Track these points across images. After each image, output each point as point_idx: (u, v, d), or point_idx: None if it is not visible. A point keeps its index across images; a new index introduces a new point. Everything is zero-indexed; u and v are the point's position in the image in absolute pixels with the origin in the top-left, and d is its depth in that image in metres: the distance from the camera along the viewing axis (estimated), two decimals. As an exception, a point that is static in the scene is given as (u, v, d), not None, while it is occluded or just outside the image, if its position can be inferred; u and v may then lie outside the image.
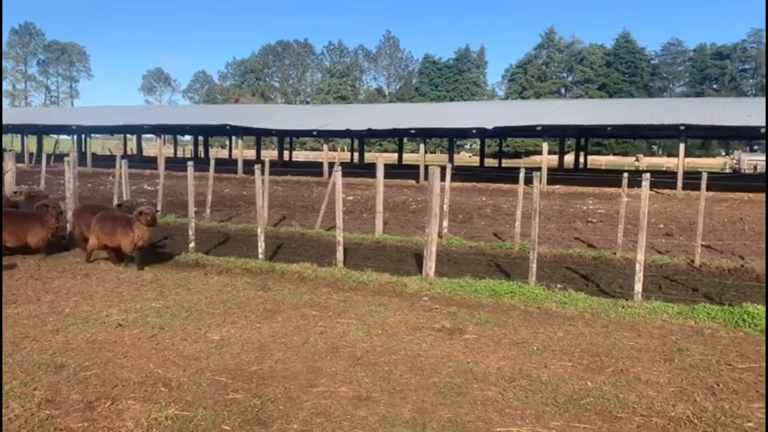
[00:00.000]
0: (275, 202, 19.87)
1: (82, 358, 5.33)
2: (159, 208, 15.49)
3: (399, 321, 6.70)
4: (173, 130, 51.36)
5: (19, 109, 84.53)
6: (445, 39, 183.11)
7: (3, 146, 37.04)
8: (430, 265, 8.89)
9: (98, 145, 67.14)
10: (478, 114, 37.39)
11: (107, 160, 34.52)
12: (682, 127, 27.19)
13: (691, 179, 19.83)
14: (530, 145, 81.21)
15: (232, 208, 18.83)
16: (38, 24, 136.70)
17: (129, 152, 55.22)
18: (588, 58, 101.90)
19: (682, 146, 28.14)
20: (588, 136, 46.78)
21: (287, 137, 52.00)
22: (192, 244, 10.82)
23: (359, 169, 28.89)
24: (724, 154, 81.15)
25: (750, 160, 54.71)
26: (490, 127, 30.73)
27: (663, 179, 24.28)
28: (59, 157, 26.66)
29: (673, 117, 29.32)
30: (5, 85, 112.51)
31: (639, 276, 7.88)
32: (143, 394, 4.62)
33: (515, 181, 13.32)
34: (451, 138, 44.77)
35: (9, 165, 14.31)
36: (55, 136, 56.30)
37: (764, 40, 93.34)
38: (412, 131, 34.31)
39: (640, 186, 8.25)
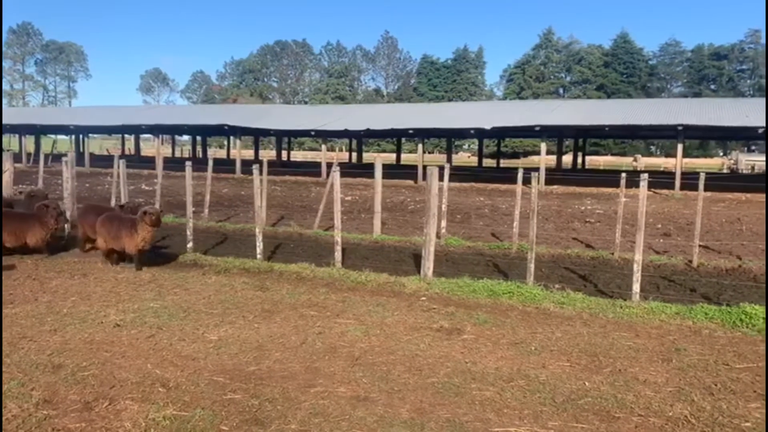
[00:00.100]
0: (273, 202, 19.86)
1: (79, 359, 5.33)
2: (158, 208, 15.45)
3: (397, 321, 6.70)
4: (171, 130, 51.28)
5: (17, 108, 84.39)
6: (444, 39, 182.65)
7: (1, 146, 37.00)
8: (428, 265, 8.89)
9: (96, 145, 67.08)
10: (476, 114, 37.42)
11: (105, 160, 34.53)
12: (680, 128, 27.22)
13: (689, 179, 19.84)
14: (528, 146, 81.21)
15: (230, 208, 18.82)
16: (36, 24, 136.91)
17: (127, 152, 55.22)
18: (586, 59, 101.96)
19: (679, 146, 28.16)
20: (586, 137, 46.83)
21: (285, 137, 51.97)
22: (190, 244, 10.80)
23: (357, 169, 28.88)
24: (721, 154, 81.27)
25: (748, 161, 54.84)
26: (488, 127, 30.74)
27: (661, 179, 24.29)
28: (57, 157, 26.62)
29: (670, 117, 29.34)
30: (3, 85, 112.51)
31: (637, 276, 7.89)
32: (141, 395, 4.62)
33: (513, 181, 13.34)
34: (450, 138, 44.82)
35: (7, 165, 14.28)
36: (52, 136, 56.22)
37: (762, 41, 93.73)
38: (411, 131, 34.32)
39: (638, 186, 8.26)
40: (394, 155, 51.16)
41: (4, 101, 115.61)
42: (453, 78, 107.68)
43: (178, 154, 62.17)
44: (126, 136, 58.15)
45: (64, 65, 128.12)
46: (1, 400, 4.42)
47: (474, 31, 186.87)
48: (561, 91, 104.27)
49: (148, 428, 4.10)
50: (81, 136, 49.65)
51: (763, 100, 34.10)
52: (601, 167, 51.25)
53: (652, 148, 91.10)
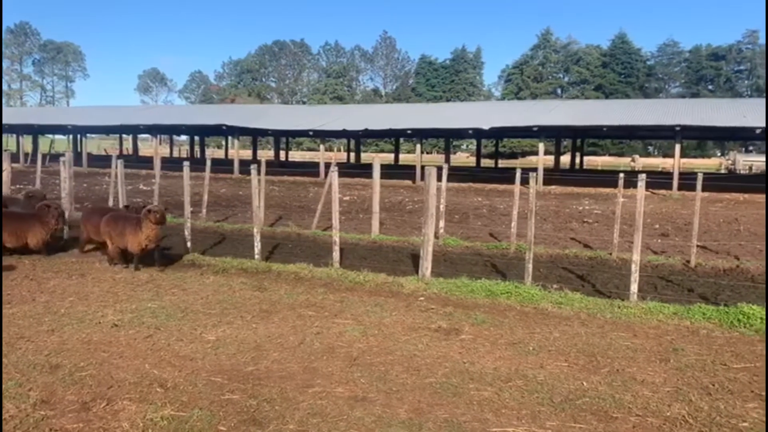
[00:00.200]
0: (271, 202, 19.85)
1: (77, 359, 5.32)
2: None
3: (395, 321, 6.70)
4: (169, 130, 51.26)
5: (15, 108, 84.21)
6: (442, 39, 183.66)
7: (1, 147, 36.95)
8: (426, 265, 8.89)
9: (94, 145, 66.99)
10: (474, 114, 37.42)
11: (103, 160, 34.51)
12: (678, 128, 27.25)
13: (687, 180, 19.86)
14: (526, 146, 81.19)
15: (228, 209, 18.80)
16: (34, 23, 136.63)
17: (125, 152, 55.14)
18: (584, 59, 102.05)
19: (677, 147, 28.20)
20: (584, 137, 46.85)
21: (283, 137, 51.94)
22: (188, 245, 10.79)
23: (356, 170, 28.86)
24: (719, 154, 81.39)
25: (745, 161, 54.95)
26: (486, 127, 30.75)
27: (659, 180, 24.32)
28: (55, 157, 26.58)
29: (668, 118, 29.37)
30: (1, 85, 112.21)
31: (635, 276, 7.90)
32: (139, 395, 4.61)
33: (511, 181, 13.34)
34: (448, 138, 44.84)
35: (5, 165, 14.28)
36: (50, 136, 56.22)
37: (759, 41, 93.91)
38: (409, 131, 34.33)
39: (635, 186, 8.26)
40: (392, 155, 51.15)
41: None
42: (451, 78, 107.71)
43: (176, 154, 62.10)
44: (124, 136, 58.12)
45: (61, 65, 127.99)
46: (0, 400, 4.42)
47: (472, 32, 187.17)
48: (559, 91, 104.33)
49: (145, 428, 4.10)
50: (79, 136, 49.59)
51: (761, 100, 34.18)
52: (599, 167, 51.28)
53: (650, 148, 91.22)
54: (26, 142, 45.23)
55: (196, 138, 55.93)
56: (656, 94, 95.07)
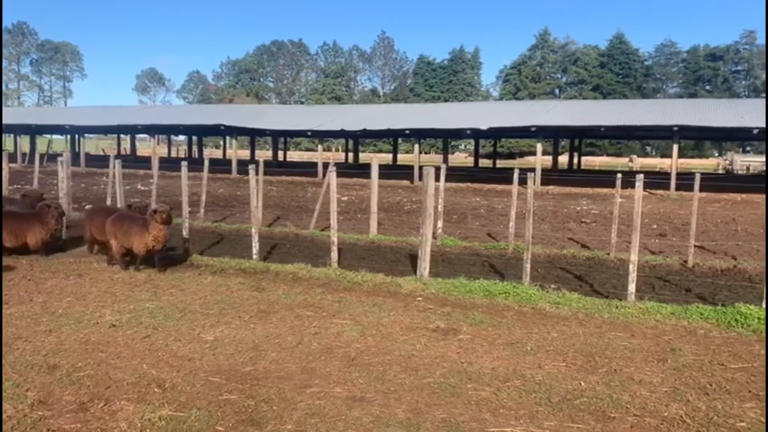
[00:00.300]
0: (269, 202, 19.85)
1: (75, 359, 5.31)
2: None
3: (393, 321, 6.70)
4: (167, 130, 51.18)
5: (12, 108, 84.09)
6: (440, 40, 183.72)
7: (1, 147, 36.88)
8: (424, 265, 8.89)
9: (92, 145, 66.89)
10: (472, 114, 37.44)
11: (101, 160, 34.45)
12: (676, 128, 27.29)
13: (685, 180, 19.91)
14: (524, 146, 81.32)
15: (226, 209, 18.80)
16: (31, 23, 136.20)
17: (123, 152, 55.07)
18: (582, 59, 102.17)
19: (675, 147, 28.24)
20: (582, 137, 46.87)
21: (281, 137, 51.90)
22: (186, 245, 10.78)
23: (354, 170, 28.83)
24: (717, 155, 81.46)
25: (743, 161, 55.06)
26: (484, 127, 30.76)
27: (656, 180, 24.35)
28: (52, 157, 26.54)
29: (666, 118, 29.42)
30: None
31: (632, 276, 7.91)
32: (137, 395, 4.61)
33: (509, 181, 13.35)
34: (446, 138, 44.81)
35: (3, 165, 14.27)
36: (48, 135, 56.10)
37: (757, 42, 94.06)
38: (407, 131, 34.32)
39: (633, 187, 8.27)
40: (390, 155, 51.07)
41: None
42: (449, 78, 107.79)
43: (174, 154, 62.02)
44: (122, 136, 58.02)
45: (59, 65, 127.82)
46: (0, 400, 4.41)
47: (470, 32, 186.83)
48: (557, 91, 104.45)
49: (143, 429, 4.10)
50: (77, 136, 49.43)
51: (758, 100, 34.24)
52: (597, 168, 51.34)
53: (648, 148, 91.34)
54: (24, 142, 45.14)
55: (194, 138, 55.85)
56: (654, 95, 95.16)
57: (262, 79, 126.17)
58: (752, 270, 10.29)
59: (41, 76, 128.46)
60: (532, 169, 20.31)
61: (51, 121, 44.71)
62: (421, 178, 9.47)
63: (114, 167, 14.57)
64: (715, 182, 23.30)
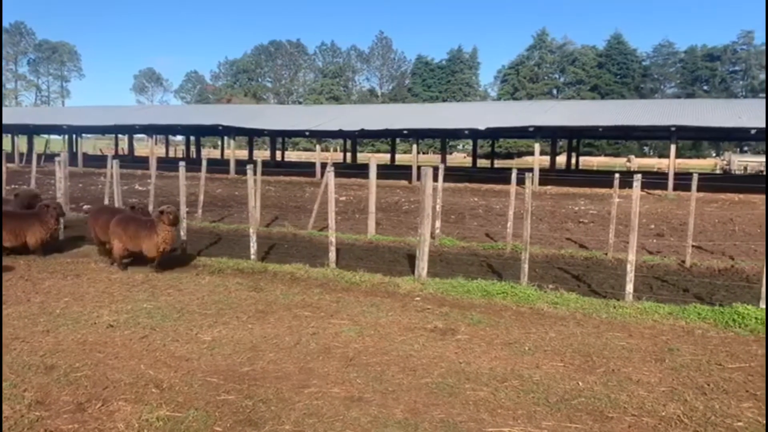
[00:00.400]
0: (267, 202, 19.83)
1: (72, 359, 5.31)
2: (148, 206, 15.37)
3: (391, 321, 6.70)
4: (165, 130, 51.13)
5: (10, 108, 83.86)
6: (438, 40, 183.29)
7: (1, 147, 36.80)
8: (422, 265, 8.89)
9: (89, 145, 66.80)
10: (470, 115, 37.47)
11: (98, 160, 34.38)
12: (673, 129, 27.34)
13: (682, 180, 19.96)
14: (522, 146, 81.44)
15: (224, 209, 18.78)
16: (29, 23, 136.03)
17: (120, 152, 55.00)
18: (580, 60, 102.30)
19: (673, 147, 28.29)
20: (580, 137, 46.96)
21: (280, 137, 51.92)
22: (184, 246, 10.77)
23: (352, 170, 28.88)
24: (714, 155, 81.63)
25: (740, 161, 55.18)
26: (482, 127, 30.79)
27: (654, 180, 24.38)
28: (50, 157, 26.51)
29: (664, 118, 29.47)
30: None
31: (630, 276, 7.92)
32: (134, 396, 4.60)
33: (507, 181, 13.35)
34: (444, 139, 44.84)
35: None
36: (45, 135, 55.95)
37: (754, 42, 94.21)
38: (405, 132, 34.34)
39: (631, 187, 8.28)
40: (388, 155, 51.11)
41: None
42: (447, 78, 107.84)
43: (171, 154, 62.03)
44: (119, 136, 57.96)
45: (57, 65, 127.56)
46: (0, 400, 4.41)
47: (468, 32, 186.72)
48: (555, 91, 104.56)
49: (141, 429, 4.09)
50: (74, 136, 49.37)
51: (756, 101, 34.29)
52: (595, 168, 51.41)
53: (646, 148, 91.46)
54: (21, 142, 45.05)
55: (192, 138, 55.82)
56: (652, 95, 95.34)
57: (260, 79, 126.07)
58: (750, 270, 10.31)
59: (39, 76, 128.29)
60: (530, 169, 20.33)
61: (48, 121, 44.63)
62: (419, 178, 9.46)
63: (112, 167, 14.56)
64: (712, 182, 23.38)
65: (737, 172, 48.97)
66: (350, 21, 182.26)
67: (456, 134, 48.05)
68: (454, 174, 25.94)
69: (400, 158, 52.31)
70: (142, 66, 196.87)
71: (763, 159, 54.48)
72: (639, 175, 8.42)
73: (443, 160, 35.22)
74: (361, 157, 53.53)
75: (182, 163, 11.40)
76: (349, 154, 50.13)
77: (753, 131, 27.09)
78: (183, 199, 11.19)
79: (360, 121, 35.88)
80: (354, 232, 13.69)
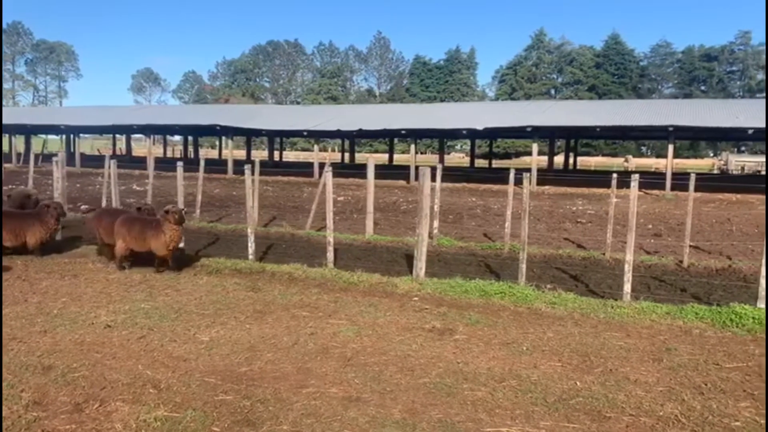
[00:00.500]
0: (265, 202, 19.82)
1: (70, 360, 5.30)
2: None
3: (389, 321, 6.70)
4: (163, 130, 51.07)
5: (7, 108, 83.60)
6: (436, 40, 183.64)
7: (1, 147, 36.75)
8: (420, 265, 8.90)
9: (87, 145, 66.72)
10: (468, 115, 37.48)
11: (96, 160, 34.33)
12: (671, 129, 27.37)
13: (680, 180, 19.96)
14: (520, 146, 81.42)
15: (221, 209, 18.77)
16: (26, 23, 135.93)
17: (118, 152, 54.93)
18: (577, 60, 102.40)
19: (670, 147, 28.31)
20: (577, 137, 47.00)
21: (277, 137, 51.87)
22: (181, 245, 10.75)
23: (350, 170, 28.88)
24: (712, 155, 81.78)
25: (737, 161, 55.28)
26: (480, 127, 30.80)
27: (652, 180, 24.42)
28: (47, 157, 26.43)
29: (661, 118, 29.50)
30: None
31: (628, 276, 7.93)
32: (132, 396, 4.59)
33: (505, 181, 13.36)
34: (442, 139, 44.83)
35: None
36: (43, 135, 55.88)
37: (751, 42, 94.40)
38: (403, 132, 34.33)
39: (629, 187, 8.29)
40: (386, 155, 51.13)
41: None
42: (445, 79, 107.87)
43: (169, 154, 61.93)
44: (117, 136, 57.88)
45: (54, 65, 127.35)
46: (1, 400, 4.40)
47: (466, 32, 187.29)
48: (553, 92, 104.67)
49: (138, 430, 4.08)
50: (72, 136, 49.36)
51: (753, 101, 34.35)
52: (593, 168, 51.42)
53: (643, 148, 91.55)
54: (19, 143, 44.98)
55: (190, 138, 55.74)
56: (649, 95, 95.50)
57: (258, 79, 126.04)
58: (747, 270, 10.32)
59: (36, 76, 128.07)
60: (528, 170, 20.33)
61: (46, 121, 44.55)
62: (417, 178, 9.47)
63: (109, 167, 14.54)
64: (710, 182, 23.42)
65: (734, 172, 49.04)
66: (348, 21, 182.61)
67: (454, 134, 48.03)
68: (452, 174, 25.95)
69: (398, 158, 52.31)
70: (140, 66, 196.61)
71: (760, 159, 54.67)
72: (636, 175, 8.44)
73: (441, 160, 35.23)
74: (359, 157, 53.56)
75: (180, 163, 11.39)
76: (347, 154, 50.12)
77: (750, 131, 27.13)
78: (181, 199, 11.18)
79: (358, 121, 35.87)
80: (352, 232, 13.68)
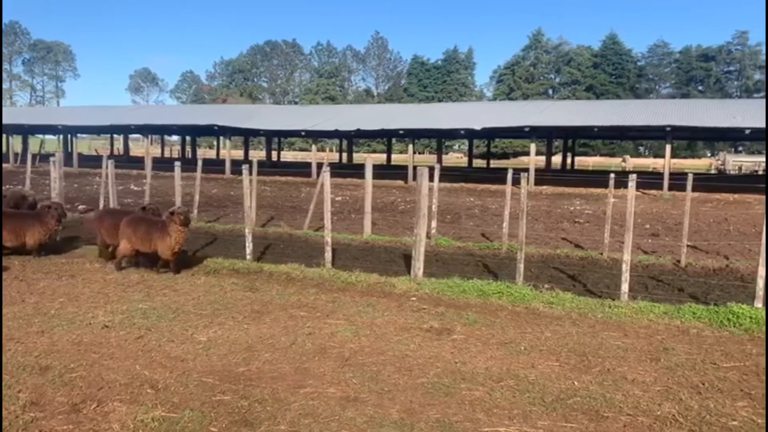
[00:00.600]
0: (263, 202, 19.81)
1: (67, 360, 5.29)
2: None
3: (387, 321, 6.70)
4: (160, 130, 51.03)
5: (4, 108, 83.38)
6: (434, 40, 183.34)
7: (1, 147, 36.69)
8: (418, 265, 8.89)
9: (84, 145, 66.61)
10: (466, 115, 37.50)
11: (93, 160, 34.30)
12: (668, 129, 27.41)
13: (677, 180, 19.98)
14: (518, 146, 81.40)
15: (219, 209, 18.75)
16: (23, 23, 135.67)
17: (116, 152, 54.87)
18: (575, 60, 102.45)
19: (668, 147, 28.36)
20: (575, 137, 47.03)
21: (275, 137, 51.84)
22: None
23: (348, 170, 28.86)
24: (709, 155, 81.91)
25: (735, 161, 55.40)
26: (478, 127, 30.81)
27: (649, 180, 24.44)
28: (45, 157, 26.40)
29: (659, 118, 29.53)
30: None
31: (625, 276, 7.93)
32: (129, 396, 4.59)
33: (503, 181, 13.38)
34: (440, 139, 44.90)
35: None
36: (40, 136, 55.83)
37: (749, 42, 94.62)
38: (401, 132, 34.34)
39: (626, 187, 8.31)
40: (384, 155, 51.15)
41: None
42: (443, 79, 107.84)
43: (167, 154, 61.84)
44: (115, 136, 57.83)
45: (51, 65, 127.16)
46: (1, 399, 4.39)
47: (464, 32, 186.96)
48: (550, 92, 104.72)
49: (136, 430, 4.08)
50: (69, 136, 49.28)
51: (751, 101, 34.41)
52: (590, 168, 51.47)
53: (641, 148, 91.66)
54: (16, 143, 44.89)
55: (188, 138, 55.71)
56: (647, 95, 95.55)
57: (255, 79, 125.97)
58: (744, 269, 10.34)
59: (33, 76, 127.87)
60: (526, 169, 20.34)
61: (43, 121, 44.49)
62: (415, 178, 9.47)
63: (107, 167, 14.52)
64: (707, 182, 23.45)
65: (732, 172, 49.14)
66: (346, 21, 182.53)
67: (452, 134, 48.09)
68: (450, 174, 25.95)
69: (396, 158, 52.37)
70: (137, 66, 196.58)
71: (757, 159, 54.81)
72: (634, 175, 8.45)
73: (439, 160, 35.23)
74: (357, 157, 53.54)
75: (178, 163, 11.39)
76: (345, 154, 50.11)
77: (748, 131, 27.19)
78: (179, 199, 11.18)
79: (356, 121, 35.87)
80: (350, 232, 13.68)
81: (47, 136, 58.37)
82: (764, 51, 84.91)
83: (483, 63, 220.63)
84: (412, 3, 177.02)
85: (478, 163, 50.30)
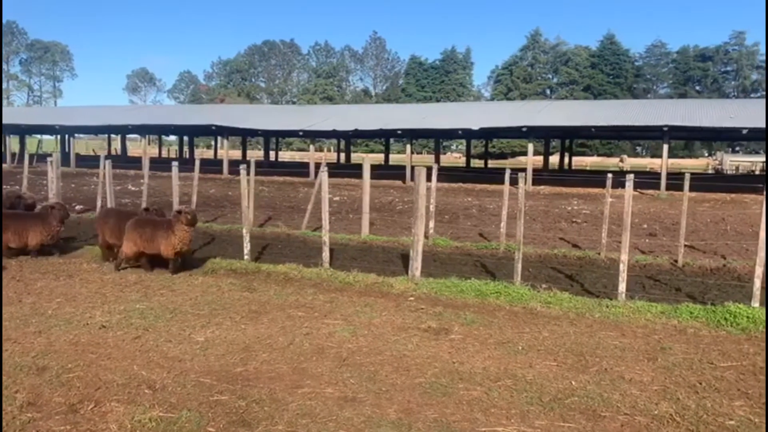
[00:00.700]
0: (261, 202, 19.79)
1: (64, 360, 5.28)
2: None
3: (385, 321, 6.70)
4: (158, 131, 50.98)
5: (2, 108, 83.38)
6: (432, 40, 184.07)
7: (1, 147, 36.60)
8: (416, 265, 8.90)
9: (82, 145, 66.46)
10: (464, 115, 37.49)
11: (91, 161, 34.23)
12: (666, 129, 27.45)
13: (675, 180, 20.02)
14: (516, 146, 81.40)
15: (217, 209, 18.74)
16: (21, 23, 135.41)
17: (113, 152, 54.76)
18: (573, 60, 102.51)
19: (665, 147, 28.40)
20: (573, 137, 47.04)
21: (273, 137, 51.80)
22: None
23: (346, 170, 28.81)
24: (706, 155, 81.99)
25: (732, 161, 55.46)
26: (476, 128, 30.82)
27: (647, 180, 24.46)
28: (42, 158, 26.36)
29: (656, 118, 29.57)
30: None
31: (623, 276, 7.95)
32: (127, 396, 4.59)
33: (501, 181, 13.37)
34: (438, 139, 44.87)
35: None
36: (38, 136, 55.73)
37: (746, 42, 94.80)
38: (399, 132, 34.33)
39: (624, 187, 8.31)
40: (382, 155, 51.13)
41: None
42: (441, 79, 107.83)
43: (165, 154, 61.71)
44: (112, 136, 57.67)
45: (49, 65, 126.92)
46: (1, 399, 4.38)
47: (462, 32, 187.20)
48: (548, 92, 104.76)
49: (134, 430, 4.08)
50: (67, 137, 49.06)
51: (748, 101, 34.46)
52: (588, 168, 51.54)
53: (638, 148, 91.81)
54: (13, 143, 44.78)
55: (185, 138, 55.64)
56: (644, 95, 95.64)
57: (253, 79, 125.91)
58: (741, 269, 10.36)
59: (31, 76, 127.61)
60: (524, 169, 20.40)
61: (41, 122, 44.40)
62: (412, 178, 9.47)
63: (104, 167, 14.49)
64: (704, 182, 23.49)
65: (729, 172, 49.21)
66: (344, 21, 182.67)
67: (450, 134, 48.13)
68: (447, 174, 25.96)
69: (394, 158, 52.35)
70: (135, 66, 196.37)
71: (754, 159, 54.89)
72: (631, 175, 8.46)
73: (437, 160, 35.26)
74: (355, 157, 53.45)
75: (175, 164, 11.38)
76: (342, 155, 50.11)
77: (745, 131, 27.22)
78: (176, 199, 11.17)
79: (354, 121, 35.86)
80: (348, 232, 13.68)
81: (44, 137, 58.30)
82: (763, 51, 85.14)
83: (481, 63, 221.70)
84: (410, 3, 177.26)
85: (476, 163, 50.35)
